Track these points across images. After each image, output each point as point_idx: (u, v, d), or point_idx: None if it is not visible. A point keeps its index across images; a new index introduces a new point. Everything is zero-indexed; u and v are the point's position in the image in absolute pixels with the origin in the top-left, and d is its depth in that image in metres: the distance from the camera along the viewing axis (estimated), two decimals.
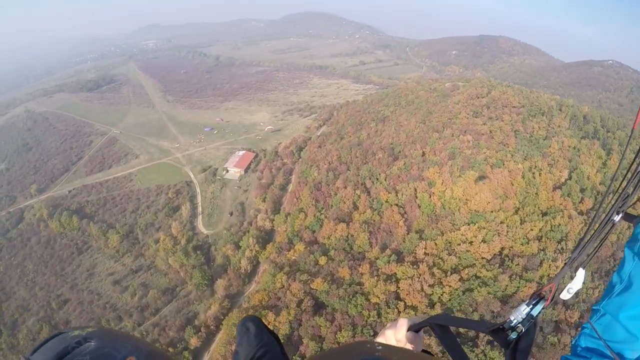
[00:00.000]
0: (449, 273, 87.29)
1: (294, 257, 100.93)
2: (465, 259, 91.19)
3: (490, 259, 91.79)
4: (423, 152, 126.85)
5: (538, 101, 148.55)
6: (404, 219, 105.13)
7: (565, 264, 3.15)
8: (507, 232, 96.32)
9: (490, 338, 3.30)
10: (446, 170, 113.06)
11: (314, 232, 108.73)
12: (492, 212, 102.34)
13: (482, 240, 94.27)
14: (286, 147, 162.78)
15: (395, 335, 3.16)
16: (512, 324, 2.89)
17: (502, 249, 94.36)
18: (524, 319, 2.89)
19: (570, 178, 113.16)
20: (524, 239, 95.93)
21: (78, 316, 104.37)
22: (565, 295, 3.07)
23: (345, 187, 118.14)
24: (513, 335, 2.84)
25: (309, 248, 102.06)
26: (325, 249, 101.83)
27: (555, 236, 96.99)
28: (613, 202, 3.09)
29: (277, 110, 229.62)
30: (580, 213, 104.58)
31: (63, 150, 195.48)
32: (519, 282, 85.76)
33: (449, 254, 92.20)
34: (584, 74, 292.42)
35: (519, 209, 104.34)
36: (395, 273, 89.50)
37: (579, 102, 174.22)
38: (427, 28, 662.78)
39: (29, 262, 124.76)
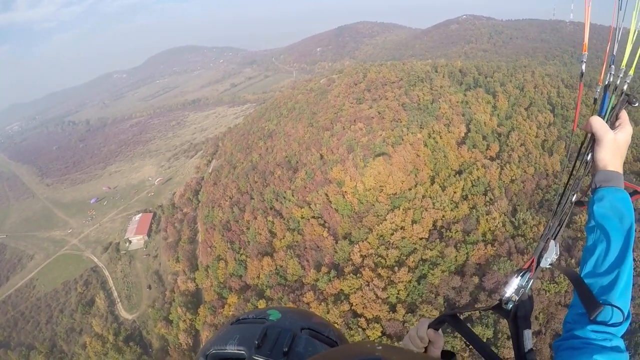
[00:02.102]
0: (395, 268, 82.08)
1: (231, 312, 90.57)
2: (404, 246, 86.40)
3: (428, 237, 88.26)
4: (320, 154, 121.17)
5: (413, 70, 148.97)
6: (326, 229, 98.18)
7: (539, 240, 3.42)
8: (433, 203, 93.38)
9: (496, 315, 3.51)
10: (350, 165, 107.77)
11: (240, 276, 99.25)
12: (410, 189, 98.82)
13: (412, 222, 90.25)
14: (182, 196, 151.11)
15: (418, 333, 3.45)
16: (507, 296, 3.20)
17: (435, 222, 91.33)
18: (516, 289, 3.20)
19: (469, 130, 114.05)
20: (451, 204, 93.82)
21: None
22: (544, 264, 3.31)
23: (256, 218, 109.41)
24: (510, 306, 3.19)
25: (242, 296, 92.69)
26: (260, 290, 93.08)
27: (479, 190, 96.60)
28: (570, 184, 3.49)
29: (162, 159, 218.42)
30: (492, 159, 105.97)
31: None
32: (467, 248, 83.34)
33: (387, 248, 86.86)
34: (444, 34, 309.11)
35: (434, 177, 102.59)
36: (341, 290, 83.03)
37: (450, 60, 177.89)
38: (286, 34, 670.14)
39: None
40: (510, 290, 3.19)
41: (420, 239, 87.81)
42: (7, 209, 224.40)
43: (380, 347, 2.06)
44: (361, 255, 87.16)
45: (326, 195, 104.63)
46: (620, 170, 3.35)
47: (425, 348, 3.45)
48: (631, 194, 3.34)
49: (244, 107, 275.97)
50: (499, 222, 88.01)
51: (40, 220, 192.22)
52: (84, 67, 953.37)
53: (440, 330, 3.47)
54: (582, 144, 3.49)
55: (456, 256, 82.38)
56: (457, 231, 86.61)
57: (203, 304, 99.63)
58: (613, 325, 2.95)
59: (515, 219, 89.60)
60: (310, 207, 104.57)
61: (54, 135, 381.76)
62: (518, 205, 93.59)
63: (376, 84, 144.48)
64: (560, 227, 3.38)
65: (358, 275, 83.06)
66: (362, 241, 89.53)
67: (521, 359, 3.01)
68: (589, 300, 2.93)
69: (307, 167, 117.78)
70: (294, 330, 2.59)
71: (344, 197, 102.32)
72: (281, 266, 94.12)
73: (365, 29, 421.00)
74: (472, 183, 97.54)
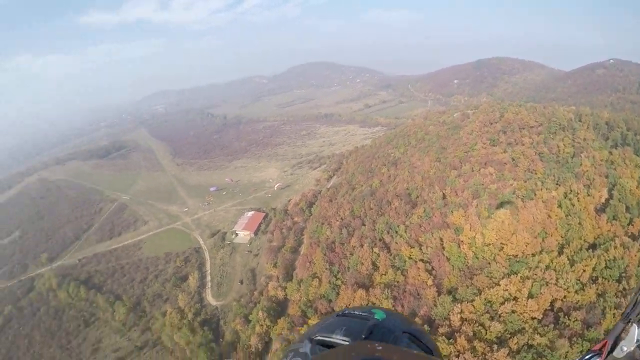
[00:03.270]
0: (494, 346, 71.06)
1: None
2: (511, 322, 75.42)
3: (542, 319, 76.00)
4: (443, 194, 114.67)
5: (555, 116, 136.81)
6: (432, 277, 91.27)
7: (619, 320, 2.96)
8: (557, 279, 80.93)
9: None
10: (472, 212, 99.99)
11: (330, 301, 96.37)
12: (533, 255, 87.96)
13: (528, 295, 78.74)
14: (296, 204, 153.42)
15: None
16: None
17: (554, 301, 78.68)
18: None
19: (611, 197, 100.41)
20: (577, 284, 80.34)
21: None
22: (618, 353, 2.78)
23: (362, 245, 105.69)
24: None
25: None
26: None
27: (613, 274, 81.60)
28: None
29: (286, 165, 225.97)
30: (633, 237, 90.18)
31: (74, 218, 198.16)
32: (582, 345, 69.26)
33: (491, 319, 76.78)
34: (589, 78, 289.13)
35: (563, 246, 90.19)
36: None
37: (594, 109, 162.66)
38: (425, 62, 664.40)
39: (37, 332, 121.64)
40: None
41: (532, 318, 76.13)
42: (136, 176, 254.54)
43: (380, 347, 2.20)
44: (461, 318, 78.16)
45: (440, 240, 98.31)
46: None
47: None
48: None
49: (374, 129, 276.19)
50: None
51: (163, 193, 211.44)
52: (227, 69, 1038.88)
53: None
54: None
55: (567, 352, 69.32)
56: (576, 320, 73.33)
57: (285, 316, 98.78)
58: None
59: None
60: (420, 249, 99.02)
61: (193, 123, 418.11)
62: None
63: (513, 126, 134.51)
64: None
65: (451, 340, 73.97)
66: (467, 302, 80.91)
67: None
68: None
69: (426, 205, 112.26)
70: (397, 332, 2.80)
71: (459, 246, 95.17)
72: (373, 303, 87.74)
73: (505, 65, 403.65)
74: (606, 263, 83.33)
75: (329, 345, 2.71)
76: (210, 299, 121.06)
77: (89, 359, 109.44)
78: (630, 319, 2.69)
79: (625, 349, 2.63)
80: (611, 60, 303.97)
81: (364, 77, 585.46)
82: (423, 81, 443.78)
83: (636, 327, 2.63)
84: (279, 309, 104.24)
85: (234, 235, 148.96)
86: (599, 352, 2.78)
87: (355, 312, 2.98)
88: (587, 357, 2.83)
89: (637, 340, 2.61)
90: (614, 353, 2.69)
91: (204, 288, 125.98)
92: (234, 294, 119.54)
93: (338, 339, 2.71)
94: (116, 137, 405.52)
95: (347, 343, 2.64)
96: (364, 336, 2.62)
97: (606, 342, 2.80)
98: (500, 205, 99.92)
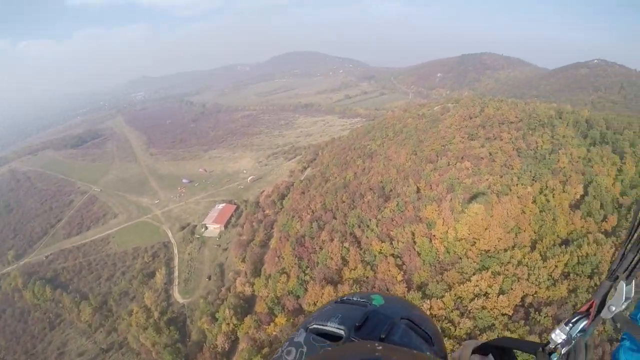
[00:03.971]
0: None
1: (274, 333, 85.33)
2: (481, 318, 73.67)
3: (512, 315, 74.49)
4: (417, 187, 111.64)
5: (536, 112, 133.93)
6: (402, 272, 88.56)
7: (606, 277, 2.72)
8: (528, 274, 79.28)
9: None
10: (446, 207, 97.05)
11: (297, 297, 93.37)
12: (505, 250, 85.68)
13: (499, 291, 77.15)
14: (268, 196, 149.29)
15: (461, 358, 3.19)
16: (551, 345, 2.73)
17: (525, 297, 77.13)
18: (563, 340, 2.68)
19: (586, 194, 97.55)
20: (548, 280, 78.82)
21: None
22: (606, 314, 2.62)
23: (332, 240, 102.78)
24: (554, 358, 2.69)
25: (291, 320, 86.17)
26: None
27: (585, 270, 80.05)
28: None
29: (261, 155, 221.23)
30: (606, 233, 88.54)
31: (43, 211, 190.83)
32: None
33: (461, 315, 74.85)
34: (572, 77, 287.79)
35: (536, 242, 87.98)
36: None
37: (574, 107, 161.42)
38: (410, 55, 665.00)
39: (1, 337, 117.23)
40: (557, 338, 2.66)
41: (503, 314, 74.62)
42: (109, 166, 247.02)
43: (380, 347, 2.18)
44: (431, 315, 75.46)
45: (412, 234, 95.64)
46: None
47: None
48: None
49: (353, 120, 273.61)
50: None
51: (135, 184, 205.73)
52: (212, 55, 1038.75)
53: (489, 356, 3.07)
54: None
55: None
56: (547, 316, 72.27)
57: (251, 314, 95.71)
58: None
59: None
60: (391, 244, 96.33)
61: (171, 111, 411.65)
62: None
63: (493, 121, 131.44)
64: (639, 262, 2.50)
65: None
66: (437, 298, 78.73)
67: None
68: None
69: (399, 199, 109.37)
70: (394, 319, 2.72)
71: (430, 241, 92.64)
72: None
73: (489, 61, 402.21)
74: (578, 259, 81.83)
75: (324, 334, 2.63)
76: (177, 296, 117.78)
77: None
78: (617, 275, 2.49)
79: (613, 308, 2.47)
80: (595, 61, 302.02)
81: (347, 67, 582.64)
82: (406, 74, 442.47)
83: (624, 284, 2.45)
84: (246, 306, 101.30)
85: (203, 229, 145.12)
86: (586, 314, 2.60)
87: (354, 299, 2.91)
88: (573, 320, 2.63)
89: (626, 298, 2.43)
90: (602, 314, 2.51)
91: (172, 285, 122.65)
92: (201, 290, 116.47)
93: (333, 327, 2.64)
94: (92, 126, 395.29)
95: (342, 331, 2.59)
96: (358, 324, 2.57)
97: (593, 302, 2.59)
98: (474, 198, 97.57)
